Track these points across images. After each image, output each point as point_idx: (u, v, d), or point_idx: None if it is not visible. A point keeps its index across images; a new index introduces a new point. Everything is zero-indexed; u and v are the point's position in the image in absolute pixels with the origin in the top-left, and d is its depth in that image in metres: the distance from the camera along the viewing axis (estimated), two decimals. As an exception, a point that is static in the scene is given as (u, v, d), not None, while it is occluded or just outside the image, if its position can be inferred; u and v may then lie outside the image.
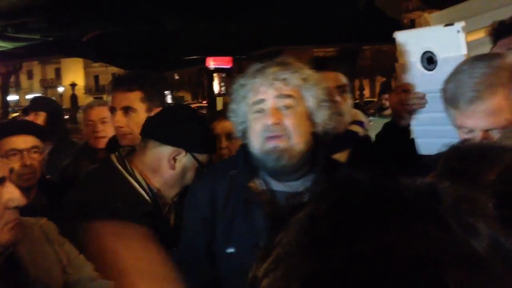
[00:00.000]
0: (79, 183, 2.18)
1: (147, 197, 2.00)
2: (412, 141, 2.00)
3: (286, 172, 1.66)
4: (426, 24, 2.87)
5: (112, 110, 2.33)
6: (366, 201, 0.47)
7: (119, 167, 2.03)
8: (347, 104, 2.23)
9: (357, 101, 22.92)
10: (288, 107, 1.62)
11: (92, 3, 2.88)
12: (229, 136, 2.95)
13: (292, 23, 4.11)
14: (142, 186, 2.01)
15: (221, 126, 2.95)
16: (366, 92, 41.47)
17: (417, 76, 1.84)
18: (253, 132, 1.66)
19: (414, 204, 0.46)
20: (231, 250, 1.66)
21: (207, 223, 1.70)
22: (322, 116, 1.68)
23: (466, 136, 1.53)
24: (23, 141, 2.39)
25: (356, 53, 19.59)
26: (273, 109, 1.62)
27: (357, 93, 27.51)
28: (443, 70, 1.62)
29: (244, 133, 1.73)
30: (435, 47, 1.76)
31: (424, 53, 1.79)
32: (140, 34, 4.35)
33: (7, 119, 2.54)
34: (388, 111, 7.90)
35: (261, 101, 1.63)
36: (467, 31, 1.77)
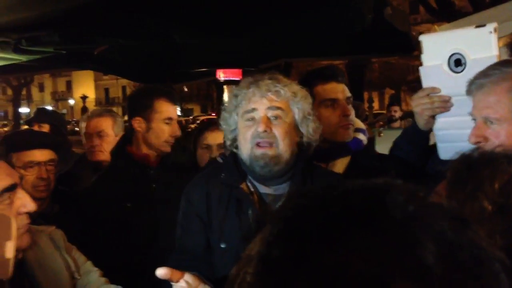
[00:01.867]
0: None
1: None
2: (430, 147, 2.00)
3: (271, 177, 1.82)
4: (435, 36, 2.87)
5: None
6: (314, 218, 0.48)
7: None
8: (353, 114, 2.33)
9: (366, 113, 22.87)
10: (277, 117, 1.79)
11: (103, 17, 2.92)
12: (220, 146, 3.02)
13: (301, 36, 4.13)
14: None
15: (212, 137, 3.01)
16: (375, 104, 41.39)
17: (443, 79, 1.82)
18: (243, 138, 1.82)
19: (360, 213, 0.47)
20: (223, 245, 1.80)
21: (204, 221, 1.84)
22: (307, 128, 1.86)
23: (474, 125, 1.59)
24: (41, 154, 2.46)
25: (365, 66, 19.61)
26: (264, 118, 1.78)
27: (366, 105, 27.49)
28: (472, 72, 1.62)
29: (234, 140, 1.90)
30: (464, 48, 1.75)
31: (452, 55, 1.78)
32: (150, 47, 4.39)
33: (24, 129, 2.58)
34: (397, 123, 7.90)
35: (253, 110, 1.80)
36: None
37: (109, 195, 2.52)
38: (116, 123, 3.20)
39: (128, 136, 2.68)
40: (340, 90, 2.26)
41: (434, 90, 1.88)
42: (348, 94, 2.31)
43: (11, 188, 1.44)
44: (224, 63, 4.92)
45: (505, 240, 0.47)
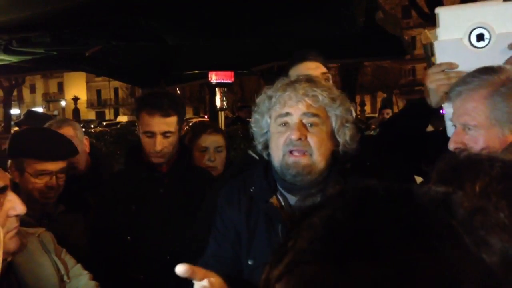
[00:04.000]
0: None
1: None
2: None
3: (304, 188, 1.67)
4: (427, 40, 2.88)
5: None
6: (384, 214, 0.47)
7: None
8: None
9: (358, 116, 23.01)
10: (313, 124, 1.64)
11: (95, 19, 2.91)
12: (217, 149, 3.03)
13: (293, 39, 4.15)
14: None
15: (210, 140, 3.01)
16: (367, 108, 41.60)
17: (462, 54, 1.77)
18: (275, 145, 1.68)
19: (430, 218, 0.47)
20: (251, 262, 1.70)
21: (236, 236, 1.75)
22: (344, 136, 1.70)
23: (455, 130, 1.62)
24: (55, 165, 2.41)
25: (357, 69, 19.70)
26: (299, 124, 1.63)
27: (359, 108, 27.61)
28: (497, 47, 1.60)
29: (265, 145, 1.77)
30: (490, 23, 1.70)
31: (473, 29, 1.73)
32: (143, 49, 4.38)
33: (39, 134, 2.49)
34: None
35: (287, 114, 1.65)
36: None
37: (115, 196, 2.52)
38: (77, 129, 3.13)
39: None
40: (312, 67, 2.31)
41: (451, 65, 1.82)
42: (323, 70, 2.34)
43: (1, 191, 1.43)
44: (216, 65, 4.91)
45: None
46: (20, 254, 1.54)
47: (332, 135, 1.70)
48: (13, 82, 33.63)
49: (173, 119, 2.48)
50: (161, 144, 2.45)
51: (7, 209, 1.43)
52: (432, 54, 3.07)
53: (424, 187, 0.51)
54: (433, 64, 2.94)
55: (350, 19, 2.92)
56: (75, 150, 2.59)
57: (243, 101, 27.15)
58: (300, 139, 1.61)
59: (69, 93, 53.67)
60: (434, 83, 1.87)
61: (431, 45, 2.99)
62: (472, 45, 1.75)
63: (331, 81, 2.35)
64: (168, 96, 2.58)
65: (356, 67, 17.38)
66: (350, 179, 1.71)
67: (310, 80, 1.70)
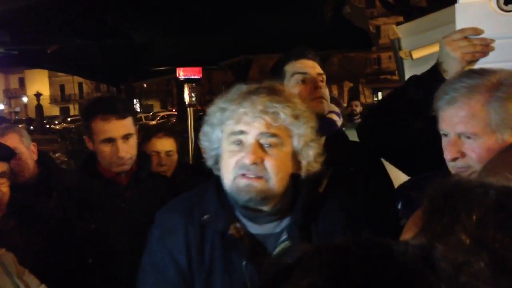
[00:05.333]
0: None
1: None
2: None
3: (262, 216, 1.46)
4: (395, 35, 2.92)
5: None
6: (365, 278, 0.46)
7: None
8: (327, 90, 2.26)
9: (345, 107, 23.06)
10: (272, 145, 1.41)
11: (58, 16, 2.83)
12: (168, 153, 3.02)
13: (261, 33, 4.14)
14: None
15: (161, 144, 3.00)
16: (335, 98, 41.96)
17: (488, 19, 1.63)
18: (226, 166, 1.45)
19: (414, 279, 0.46)
20: None
21: (186, 275, 1.45)
22: (307, 157, 1.49)
23: (445, 140, 1.53)
24: None
25: (324, 60, 19.83)
26: (255, 146, 1.39)
27: (326, 98, 27.80)
28: None
29: (216, 161, 1.52)
30: None
31: None
32: (108, 45, 4.29)
33: None
34: (358, 119, 7.93)
35: (242, 133, 1.41)
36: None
37: (73, 214, 2.31)
38: (23, 135, 2.99)
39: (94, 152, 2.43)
40: (310, 66, 2.21)
41: (475, 31, 1.65)
42: (319, 70, 2.25)
43: None
44: (184, 61, 4.86)
45: (493, 273, 0.48)
46: None
47: (293, 157, 1.47)
48: (-28, 79, 32.50)
49: (129, 120, 2.34)
50: (123, 150, 2.29)
51: None
52: (400, 49, 3.12)
53: (402, 243, 0.50)
54: (402, 58, 2.96)
55: (318, 14, 2.92)
56: (10, 151, 2.40)
57: (210, 93, 27.00)
58: (255, 163, 1.38)
59: (31, 88, 52.17)
60: (459, 51, 1.68)
61: (399, 40, 3.04)
62: (500, 8, 1.62)
63: (324, 83, 2.25)
64: (118, 98, 2.44)
65: (323, 57, 17.50)
66: (321, 208, 1.54)
67: (271, 91, 1.44)
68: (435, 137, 1.60)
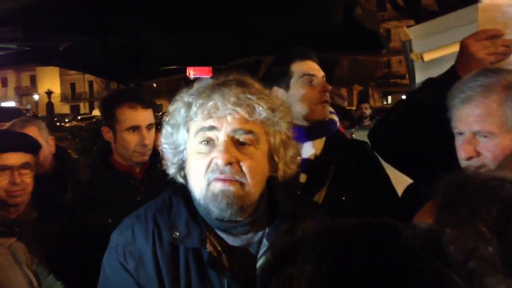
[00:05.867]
0: None
1: None
2: None
3: (238, 226, 1.26)
4: (406, 37, 2.89)
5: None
6: (367, 266, 0.45)
7: None
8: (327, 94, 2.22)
9: (346, 108, 23.01)
10: (247, 143, 1.22)
11: (69, 14, 2.85)
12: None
13: (271, 34, 4.14)
14: None
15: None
16: (344, 101, 41.91)
17: (510, 20, 1.61)
18: (195, 171, 1.23)
19: (422, 266, 0.45)
20: None
21: None
22: (284, 157, 1.30)
23: (460, 139, 1.52)
24: (14, 158, 2.31)
25: (334, 62, 19.78)
26: (228, 143, 1.20)
27: (335, 101, 27.77)
28: None
29: (181, 168, 1.31)
30: None
31: None
32: (119, 44, 4.31)
33: None
34: (368, 121, 7.89)
35: (212, 128, 1.21)
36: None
37: (89, 209, 2.31)
38: (42, 129, 3.05)
39: (109, 145, 2.45)
40: (316, 68, 2.18)
41: (498, 32, 1.66)
42: (322, 73, 2.27)
43: None
44: (193, 60, 4.87)
45: (505, 263, 0.47)
46: None
47: (270, 156, 1.28)
48: (-16, 75, 32.87)
49: (151, 111, 2.42)
50: (148, 138, 2.36)
51: None
52: (411, 51, 3.09)
53: (410, 226, 0.49)
54: (412, 60, 2.94)
55: (329, 16, 2.92)
56: (36, 144, 2.48)
57: (220, 94, 27.02)
58: (230, 163, 1.18)
59: (42, 86, 52.56)
60: (482, 52, 1.67)
61: (410, 42, 3.01)
62: None
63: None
64: (141, 89, 2.52)
65: (332, 60, 17.45)
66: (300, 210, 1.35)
67: (241, 83, 1.24)
68: (448, 139, 1.59)
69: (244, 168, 1.20)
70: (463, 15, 1.95)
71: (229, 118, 1.20)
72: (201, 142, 1.22)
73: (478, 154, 1.47)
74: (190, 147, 1.26)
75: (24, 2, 2.62)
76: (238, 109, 1.20)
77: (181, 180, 1.31)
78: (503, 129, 1.43)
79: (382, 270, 0.45)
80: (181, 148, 1.29)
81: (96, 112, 40.62)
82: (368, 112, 7.92)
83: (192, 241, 1.24)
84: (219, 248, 1.26)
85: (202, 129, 1.22)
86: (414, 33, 2.94)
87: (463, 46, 1.74)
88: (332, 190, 2.02)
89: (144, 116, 2.37)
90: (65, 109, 56.93)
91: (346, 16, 3.06)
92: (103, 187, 2.36)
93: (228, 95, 1.20)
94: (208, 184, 1.20)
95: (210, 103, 1.21)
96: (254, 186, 1.22)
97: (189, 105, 1.25)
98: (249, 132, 1.21)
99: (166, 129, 1.31)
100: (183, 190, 1.31)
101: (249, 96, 1.21)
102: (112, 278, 1.30)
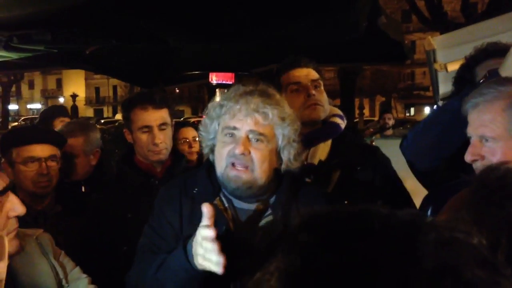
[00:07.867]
0: None
1: None
2: None
3: (247, 196, 1.70)
4: (430, 46, 2.87)
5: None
6: (336, 261, 0.46)
7: None
8: (323, 96, 2.30)
9: (356, 120, 22.98)
10: (259, 140, 1.66)
11: (97, 17, 2.90)
12: (195, 139, 3.62)
13: (294, 42, 4.14)
14: None
15: (187, 132, 3.66)
16: (366, 111, 41.64)
17: None
18: (219, 154, 1.70)
19: (389, 262, 0.45)
20: None
21: (178, 235, 1.70)
22: (288, 155, 1.73)
23: (472, 142, 1.58)
24: (42, 150, 2.42)
25: (356, 73, 19.70)
26: (244, 139, 1.65)
27: (357, 112, 27.66)
28: None
29: (212, 149, 1.78)
30: None
31: None
32: (143, 48, 4.37)
33: (25, 125, 2.55)
34: (390, 131, 7.88)
35: (235, 128, 1.66)
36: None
37: (111, 203, 2.46)
38: (87, 142, 3.08)
39: (132, 147, 2.62)
40: (303, 74, 2.28)
41: None
42: (314, 77, 2.29)
43: (2, 192, 1.41)
44: (217, 66, 4.91)
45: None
46: (17, 257, 1.50)
47: (276, 153, 1.73)
48: (12, 77, 33.59)
49: (165, 112, 2.52)
50: (159, 137, 2.45)
51: (7, 210, 1.41)
52: (435, 61, 3.07)
53: (391, 215, 0.49)
54: (436, 70, 2.91)
55: (353, 24, 2.91)
56: (62, 139, 2.59)
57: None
58: (243, 153, 1.63)
59: (68, 90, 53.50)
60: None
61: (434, 51, 2.99)
62: None
63: (322, 87, 2.32)
64: (156, 91, 2.62)
65: (355, 70, 17.40)
66: (301, 191, 1.76)
67: (264, 93, 1.69)
68: None
69: (254, 158, 1.65)
70: (492, 26, 1.94)
71: (248, 120, 1.65)
72: (226, 135, 1.69)
73: (482, 157, 1.53)
74: (218, 137, 1.73)
75: (54, 6, 2.68)
76: (256, 114, 1.65)
77: (211, 157, 1.78)
78: (505, 134, 1.48)
79: (345, 267, 0.44)
80: (212, 136, 1.76)
81: (119, 116, 41.17)
82: (391, 122, 7.92)
83: (205, 196, 1.68)
84: (226, 205, 1.73)
85: (228, 127, 1.68)
86: (438, 43, 2.93)
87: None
88: (335, 195, 2.07)
89: (156, 116, 2.47)
90: (89, 112, 57.77)
91: (370, 25, 3.04)
92: (126, 184, 2.47)
93: (250, 102, 1.65)
94: (226, 166, 1.67)
95: (236, 107, 1.66)
96: (261, 173, 1.66)
97: (221, 106, 1.71)
98: (262, 133, 1.66)
99: (205, 120, 1.78)
100: (210, 165, 1.78)
101: (266, 105, 1.65)
102: (153, 214, 1.81)
